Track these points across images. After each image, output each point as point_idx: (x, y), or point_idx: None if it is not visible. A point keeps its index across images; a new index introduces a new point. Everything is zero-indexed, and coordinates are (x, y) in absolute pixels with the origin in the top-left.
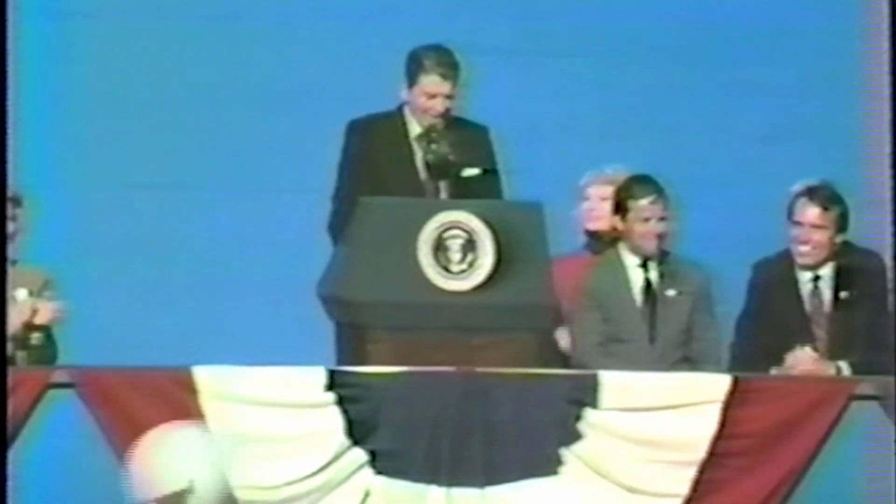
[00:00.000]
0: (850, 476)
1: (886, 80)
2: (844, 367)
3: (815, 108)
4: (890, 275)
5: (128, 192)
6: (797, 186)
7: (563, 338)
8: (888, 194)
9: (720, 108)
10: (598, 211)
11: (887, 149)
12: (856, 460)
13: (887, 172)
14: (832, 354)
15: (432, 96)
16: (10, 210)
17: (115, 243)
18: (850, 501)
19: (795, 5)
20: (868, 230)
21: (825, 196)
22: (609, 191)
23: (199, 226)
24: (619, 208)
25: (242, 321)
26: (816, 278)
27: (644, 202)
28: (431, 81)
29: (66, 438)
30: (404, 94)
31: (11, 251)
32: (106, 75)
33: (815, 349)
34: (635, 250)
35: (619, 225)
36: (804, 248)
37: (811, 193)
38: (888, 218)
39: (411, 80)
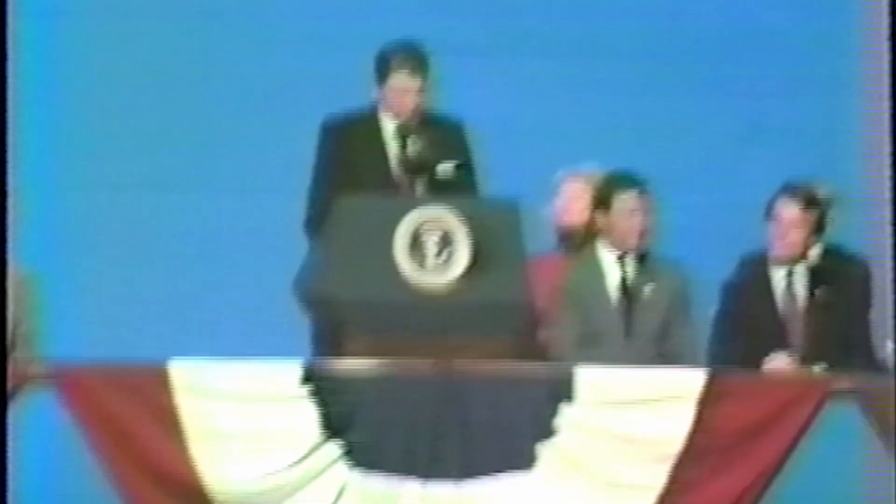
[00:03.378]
0: (827, 473)
1: (883, 79)
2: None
3: (793, 108)
4: (873, 282)
5: (107, 192)
6: (781, 185)
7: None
8: (887, 194)
9: (698, 108)
10: (571, 207)
11: (884, 148)
12: (832, 457)
13: (883, 172)
14: (807, 354)
15: (403, 93)
16: None
17: (94, 241)
18: (828, 499)
19: (774, 5)
20: (865, 231)
21: (805, 196)
22: (583, 188)
23: (177, 224)
24: (602, 203)
25: (221, 318)
26: (790, 275)
27: (629, 195)
28: (400, 78)
29: (42, 433)
30: (375, 93)
31: None
32: (93, 76)
33: (791, 353)
34: (615, 245)
35: (601, 220)
36: (778, 244)
37: (792, 192)
38: (888, 218)
39: (381, 79)
